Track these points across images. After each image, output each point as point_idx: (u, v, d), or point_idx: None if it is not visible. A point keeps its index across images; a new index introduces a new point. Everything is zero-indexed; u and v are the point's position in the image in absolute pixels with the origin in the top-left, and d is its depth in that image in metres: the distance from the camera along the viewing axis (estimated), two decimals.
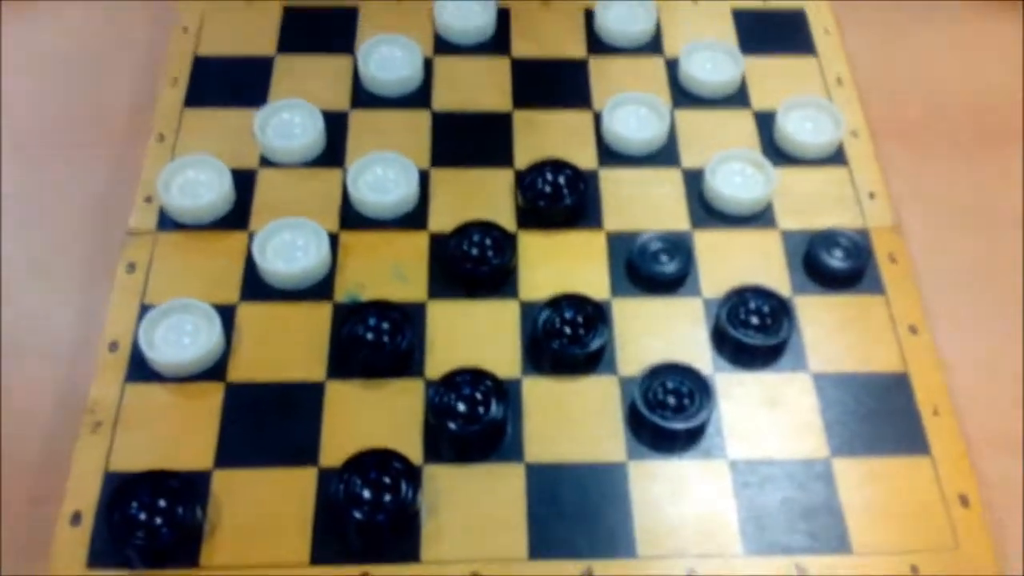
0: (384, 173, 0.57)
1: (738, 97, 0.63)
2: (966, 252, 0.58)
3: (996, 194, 0.61)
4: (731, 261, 0.55)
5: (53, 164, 0.60)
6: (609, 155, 0.60)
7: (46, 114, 0.63)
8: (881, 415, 0.50)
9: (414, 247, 0.55)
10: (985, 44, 0.69)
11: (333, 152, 0.59)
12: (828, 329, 0.53)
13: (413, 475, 0.47)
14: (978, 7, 0.70)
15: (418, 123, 0.61)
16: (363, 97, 0.62)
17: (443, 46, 0.65)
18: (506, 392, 0.49)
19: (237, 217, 0.56)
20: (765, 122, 0.61)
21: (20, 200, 0.59)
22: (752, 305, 0.52)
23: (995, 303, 0.56)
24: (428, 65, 0.63)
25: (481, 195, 0.57)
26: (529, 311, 0.53)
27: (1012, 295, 0.56)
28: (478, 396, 0.49)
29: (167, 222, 0.56)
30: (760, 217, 0.57)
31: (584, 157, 0.59)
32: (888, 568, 0.46)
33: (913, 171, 0.61)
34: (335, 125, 0.60)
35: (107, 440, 0.48)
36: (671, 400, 0.49)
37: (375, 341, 0.51)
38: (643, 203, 0.58)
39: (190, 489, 0.46)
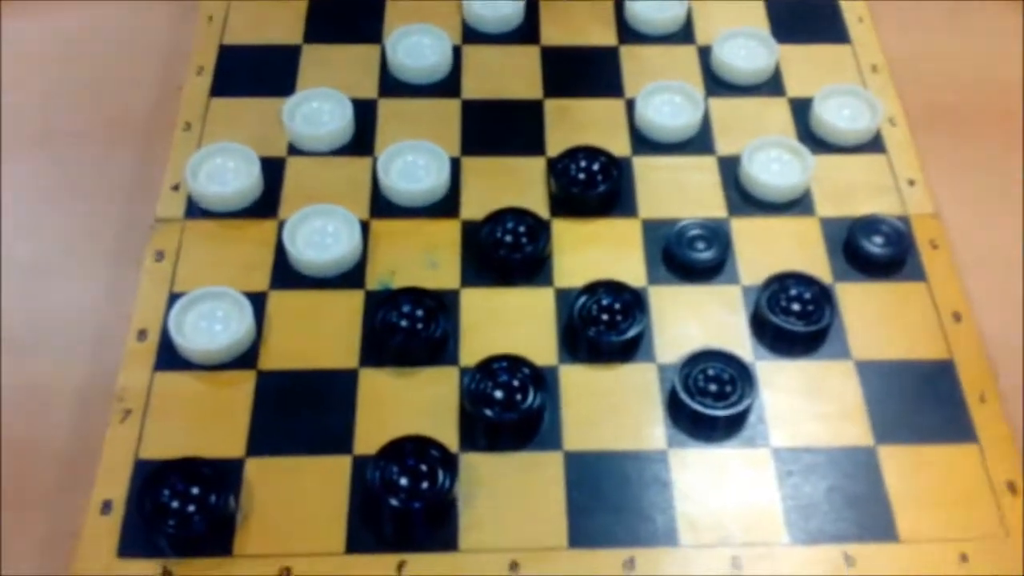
0: (415, 161, 0.57)
1: (772, 85, 0.62)
2: (1006, 238, 0.57)
3: None
4: (769, 248, 0.54)
5: (81, 154, 0.60)
6: (643, 143, 0.59)
7: (73, 105, 0.62)
8: (926, 402, 0.49)
9: (446, 235, 0.55)
10: (1017, 29, 0.68)
11: (362, 140, 0.59)
12: (870, 316, 0.52)
13: (450, 463, 0.46)
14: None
15: (448, 111, 0.60)
16: (392, 85, 0.61)
17: (472, 35, 0.64)
18: (544, 380, 0.48)
19: (266, 205, 0.56)
20: (801, 109, 0.60)
21: (49, 190, 0.58)
22: (793, 292, 0.52)
23: None
24: (457, 53, 0.63)
25: (513, 183, 0.57)
26: (565, 298, 0.52)
27: None
28: (515, 384, 0.48)
29: (195, 210, 0.55)
30: (798, 204, 0.56)
31: (617, 145, 0.58)
32: (937, 556, 0.45)
33: (951, 158, 0.60)
34: (364, 113, 0.59)
35: (137, 428, 0.48)
36: (712, 387, 0.48)
37: (409, 328, 0.50)
38: (678, 190, 0.57)
39: (222, 477, 0.45)
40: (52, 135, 0.61)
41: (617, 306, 0.51)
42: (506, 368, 0.49)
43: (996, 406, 0.49)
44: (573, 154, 0.57)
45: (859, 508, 0.46)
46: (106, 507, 0.45)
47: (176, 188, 0.56)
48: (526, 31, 0.64)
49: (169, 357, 0.50)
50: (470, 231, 0.55)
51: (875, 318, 0.52)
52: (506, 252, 0.53)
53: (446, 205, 0.56)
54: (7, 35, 0.66)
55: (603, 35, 0.64)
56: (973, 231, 0.57)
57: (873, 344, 0.51)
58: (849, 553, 0.45)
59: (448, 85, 0.61)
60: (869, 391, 0.49)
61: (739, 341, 0.51)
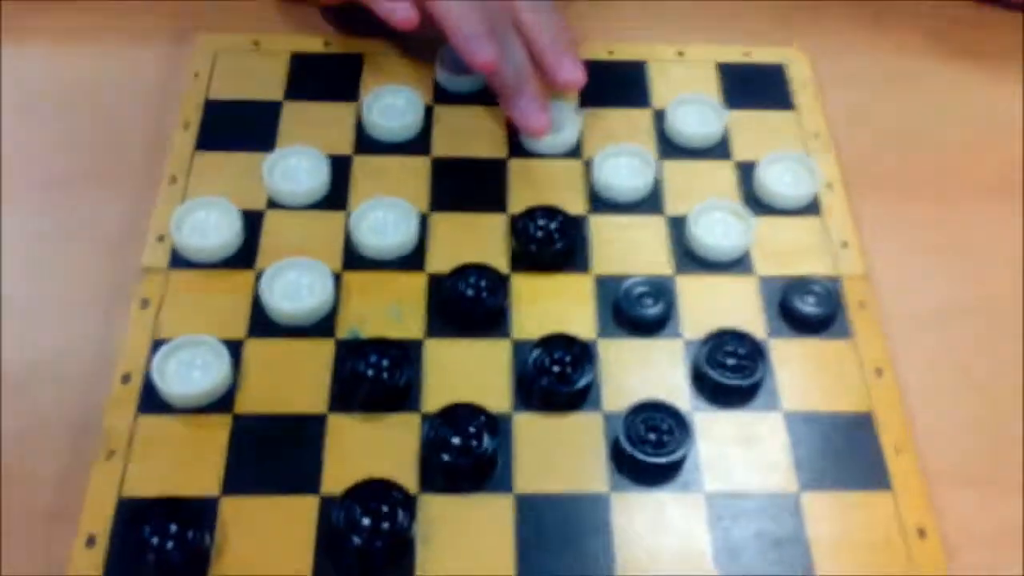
0: (385, 216, 0.61)
1: (720, 149, 0.66)
2: (931, 297, 0.61)
3: (959, 241, 0.64)
4: (711, 305, 0.59)
5: (70, 204, 0.63)
6: (599, 202, 0.63)
7: (63, 155, 0.66)
8: (847, 452, 0.53)
9: (413, 287, 0.59)
10: (955, 100, 0.72)
11: (337, 196, 0.62)
12: (800, 371, 0.56)
13: (409, 504, 0.50)
14: (949, 64, 0.74)
15: (419, 169, 0.64)
16: (367, 143, 0.65)
17: (443, 95, 0.68)
18: (498, 427, 0.52)
19: (245, 256, 0.59)
20: (746, 173, 0.65)
21: (38, 238, 0.62)
22: (729, 347, 0.56)
23: (957, 345, 0.59)
24: (429, 113, 0.67)
25: (477, 238, 0.61)
26: (520, 350, 0.56)
27: (973, 337, 0.60)
28: (471, 430, 0.52)
29: (179, 260, 0.59)
30: (739, 264, 0.61)
31: (575, 203, 0.63)
32: None
33: (884, 221, 0.64)
34: (339, 169, 0.63)
35: (120, 467, 0.51)
36: (652, 436, 0.53)
37: (375, 377, 0.54)
38: (629, 248, 0.61)
39: (200, 515, 0.49)
40: (44, 183, 0.64)
41: (568, 359, 0.55)
42: (463, 416, 0.53)
43: (910, 457, 0.53)
44: (532, 213, 0.61)
45: (783, 550, 0.50)
46: (91, 541, 0.49)
47: (161, 239, 0.60)
48: (494, 93, 0.68)
49: (151, 400, 0.53)
50: (435, 284, 0.59)
51: (804, 373, 0.56)
52: (468, 305, 0.57)
53: (414, 259, 0.60)
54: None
55: (567, 97, 0.68)
56: (900, 290, 0.61)
57: (801, 397, 0.55)
58: None
59: (419, 144, 0.65)
60: (795, 441, 0.54)
61: (679, 393, 0.55)
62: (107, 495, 0.50)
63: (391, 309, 0.57)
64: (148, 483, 0.51)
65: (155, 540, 0.48)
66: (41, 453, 0.53)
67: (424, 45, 0.70)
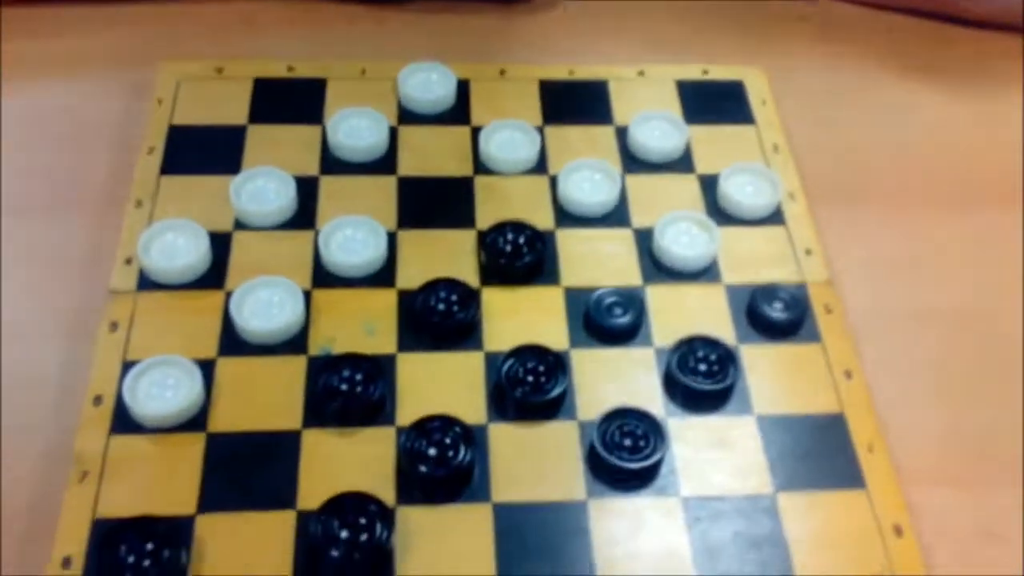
0: (354, 234, 0.61)
1: (683, 163, 0.67)
2: (896, 300, 0.63)
3: (920, 246, 0.66)
4: (680, 313, 0.59)
5: (36, 228, 0.63)
6: (565, 217, 0.64)
7: (29, 181, 0.66)
8: (820, 453, 0.54)
9: (383, 303, 0.59)
10: (911, 111, 0.74)
11: (304, 215, 0.63)
12: (770, 375, 0.57)
13: (387, 516, 0.49)
14: (904, 77, 0.76)
15: (385, 188, 0.64)
16: (332, 163, 0.65)
17: (407, 116, 0.69)
18: (473, 437, 0.52)
19: (214, 277, 0.59)
20: (709, 185, 0.66)
21: (5, 261, 0.61)
22: (700, 353, 0.56)
23: (922, 347, 0.61)
24: (393, 133, 0.67)
25: (446, 254, 0.61)
26: (493, 361, 0.56)
27: (936, 339, 0.61)
28: (447, 441, 0.52)
29: (147, 282, 0.59)
30: (706, 273, 0.61)
31: (542, 218, 0.63)
32: None
33: (845, 228, 0.66)
34: (306, 190, 0.63)
35: (94, 489, 0.51)
36: (627, 442, 0.53)
37: (348, 391, 0.54)
38: (597, 261, 0.62)
39: (175, 533, 0.49)
40: (11, 207, 0.64)
41: (541, 368, 0.55)
42: (438, 428, 0.53)
43: (883, 455, 0.54)
44: (501, 228, 0.62)
45: (760, 550, 0.51)
46: (66, 563, 0.48)
47: (129, 262, 0.59)
48: (457, 113, 0.69)
49: (124, 421, 0.53)
50: (406, 300, 0.59)
51: (774, 376, 0.57)
52: (439, 319, 0.57)
53: (383, 276, 0.60)
54: None
55: (530, 116, 0.69)
56: (865, 295, 0.62)
57: (772, 400, 0.56)
58: None
59: (385, 163, 0.66)
60: (769, 443, 0.54)
61: (652, 399, 0.56)
62: (82, 516, 0.50)
63: (365, 326, 0.57)
64: (123, 503, 0.50)
65: (131, 559, 0.48)
66: (12, 478, 0.53)
67: (386, 68, 0.70)
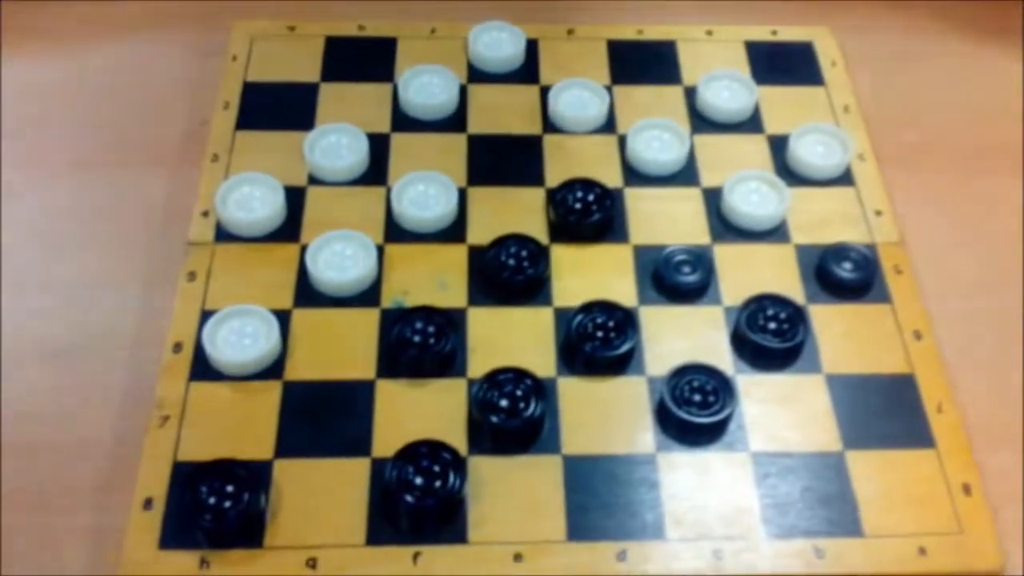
0: (426, 190, 0.62)
1: (752, 123, 0.67)
2: (965, 263, 0.62)
3: (989, 210, 0.65)
4: (748, 272, 0.59)
5: (117, 181, 0.65)
6: (633, 175, 0.64)
7: (110, 135, 0.67)
8: (889, 412, 0.54)
9: (454, 259, 0.59)
10: (983, 75, 0.74)
11: (376, 172, 0.64)
12: (839, 334, 0.57)
13: (460, 464, 0.50)
14: (970, 41, 0.75)
15: (455, 145, 0.65)
16: (403, 121, 0.66)
17: (476, 75, 0.69)
18: (544, 390, 0.53)
19: (289, 230, 0.60)
20: (778, 146, 0.66)
21: (88, 214, 0.63)
22: (769, 312, 0.57)
23: (992, 308, 0.60)
24: (463, 92, 0.68)
25: (516, 211, 0.62)
26: (563, 317, 0.57)
27: (1007, 300, 0.61)
28: (519, 393, 0.53)
29: (224, 234, 0.60)
30: (775, 232, 0.61)
31: (610, 177, 0.63)
32: (898, 549, 0.50)
33: (914, 190, 0.65)
34: (378, 147, 0.64)
35: (174, 433, 0.52)
36: (696, 397, 0.53)
37: (421, 343, 0.55)
38: (666, 219, 0.62)
39: (254, 477, 0.50)
40: (90, 163, 0.66)
41: (611, 324, 0.56)
42: (510, 380, 0.53)
43: (953, 416, 0.54)
44: (570, 185, 0.62)
45: (829, 506, 0.51)
46: (148, 504, 0.50)
47: (206, 215, 0.61)
48: (526, 72, 0.69)
49: (203, 368, 0.54)
50: (476, 255, 0.59)
51: (844, 336, 0.57)
52: (509, 274, 0.58)
53: (454, 231, 0.61)
54: (45, 71, 0.70)
55: (598, 76, 0.69)
56: (934, 257, 0.62)
57: (842, 359, 0.56)
58: (819, 547, 0.50)
59: (455, 121, 0.66)
60: (838, 402, 0.54)
61: (721, 356, 0.56)
62: (163, 460, 0.51)
63: (436, 280, 0.58)
64: (202, 447, 0.52)
65: (211, 501, 0.49)
66: (95, 424, 0.54)
67: (456, 28, 0.71)
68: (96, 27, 0.74)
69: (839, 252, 0.59)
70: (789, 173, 0.64)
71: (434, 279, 0.58)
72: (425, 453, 0.51)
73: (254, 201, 0.61)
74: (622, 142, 0.65)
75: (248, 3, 0.75)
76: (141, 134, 0.67)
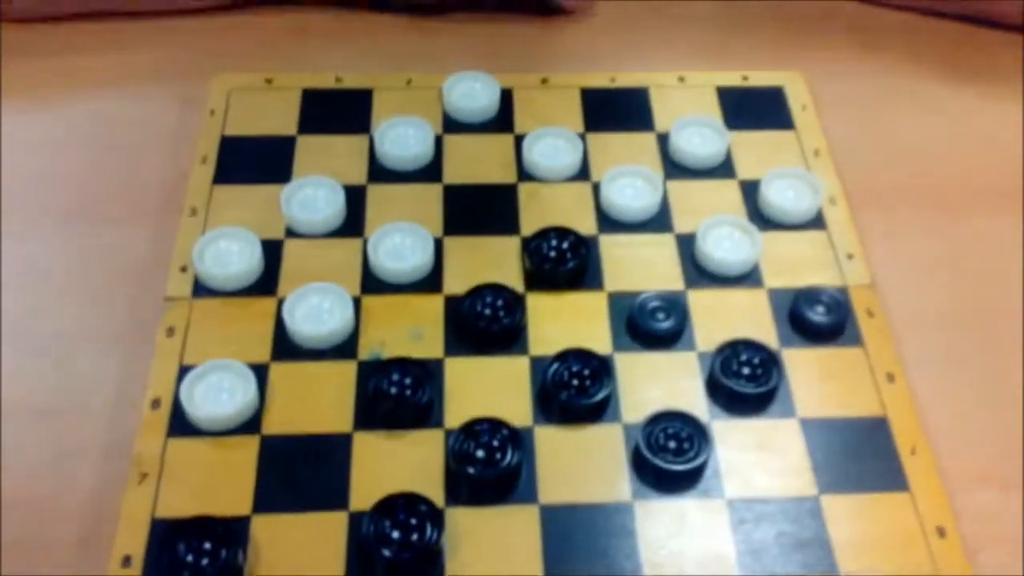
0: (402, 241, 0.62)
1: (724, 168, 0.68)
2: (938, 303, 0.63)
3: (963, 250, 0.66)
4: (722, 318, 0.60)
5: (93, 237, 0.65)
6: (608, 222, 0.65)
7: (86, 191, 0.68)
8: (863, 455, 0.55)
9: (431, 309, 0.60)
10: (953, 116, 0.75)
11: (353, 223, 0.64)
12: (813, 378, 0.58)
13: (437, 517, 0.51)
14: (944, 83, 0.76)
15: (431, 195, 0.66)
16: (379, 172, 0.67)
17: (452, 125, 0.70)
18: (521, 440, 0.53)
19: (266, 283, 0.61)
20: (750, 191, 0.66)
21: (65, 270, 0.63)
22: (743, 357, 0.57)
23: (964, 349, 0.61)
24: (439, 142, 0.69)
25: (491, 260, 0.62)
26: (539, 365, 0.57)
27: (979, 341, 0.61)
28: (495, 443, 0.53)
29: (201, 289, 0.60)
30: (748, 277, 0.62)
31: (585, 224, 0.64)
32: None
33: (887, 232, 0.66)
34: (354, 198, 0.65)
35: (153, 490, 0.52)
36: (672, 444, 0.54)
37: (398, 395, 0.55)
38: (640, 266, 0.62)
39: (232, 534, 0.50)
40: (67, 216, 0.66)
41: (586, 372, 0.56)
42: (486, 430, 0.54)
43: (927, 458, 0.54)
44: (545, 234, 0.63)
45: (805, 551, 0.51)
46: (126, 562, 0.50)
47: (184, 269, 0.61)
48: (501, 121, 0.70)
49: (181, 424, 0.55)
50: (452, 305, 0.60)
51: (817, 380, 0.57)
52: (485, 324, 0.59)
53: (430, 281, 0.61)
54: (23, 124, 0.71)
55: (572, 123, 0.70)
56: (907, 298, 0.63)
57: (816, 403, 0.56)
58: None
59: (431, 171, 0.67)
60: (812, 446, 0.55)
61: (696, 402, 0.56)
62: (141, 517, 0.51)
63: (412, 331, 0.59)
64: (180, 504, 0.52)
65: (190, 559, 0.49)
66: (73, 481, 0.54)
67: (432, 78, 0.72)
68: (75, 80, 0.74)
69: (811, 296, 0.60)
70: (761, 217, 0.65)
71: (410, 330, 0.59)
72: (402, 506, 0.51)
73: (231, 255, 0.61)
74: (596, 189, 0.66)
75: (230, 54, 0.76)
76: (120, 187, 0.68)
